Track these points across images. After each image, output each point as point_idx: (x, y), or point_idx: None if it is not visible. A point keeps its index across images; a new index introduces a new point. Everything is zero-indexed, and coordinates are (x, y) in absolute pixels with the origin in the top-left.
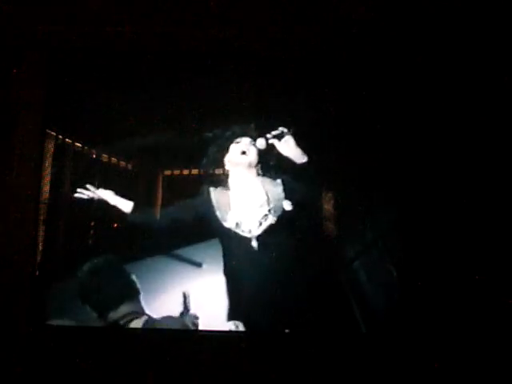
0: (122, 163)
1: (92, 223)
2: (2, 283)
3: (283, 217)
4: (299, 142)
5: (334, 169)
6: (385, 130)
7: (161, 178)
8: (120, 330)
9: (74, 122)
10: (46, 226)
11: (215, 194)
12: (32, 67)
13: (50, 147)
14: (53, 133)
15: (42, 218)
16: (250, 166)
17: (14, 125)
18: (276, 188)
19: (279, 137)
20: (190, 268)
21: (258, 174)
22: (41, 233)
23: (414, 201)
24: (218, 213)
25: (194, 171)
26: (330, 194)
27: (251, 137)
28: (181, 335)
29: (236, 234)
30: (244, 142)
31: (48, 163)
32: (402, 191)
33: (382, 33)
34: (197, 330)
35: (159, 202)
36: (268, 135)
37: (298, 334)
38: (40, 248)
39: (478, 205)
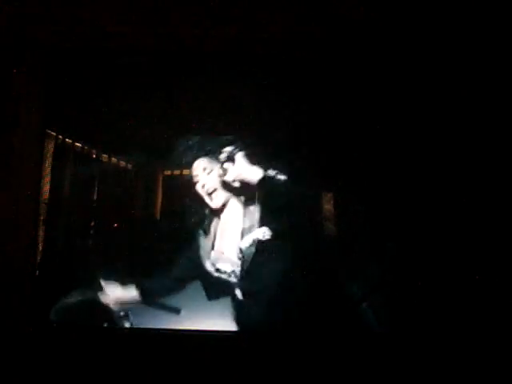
0: (122, 163)
1: (92, 223)
2: (2, 283)
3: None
4: (253, 157)
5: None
6: (385, 130)
7: (161, 178)
8: (120, 330)
9: (74, 121)
10: (45, 226)
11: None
12: (32, 67)
13: (50, 147)
14: (53, 133)
15: (41, 217)
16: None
17: (14, 125)
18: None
19: (230, 159)
20: (166, 315)
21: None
22: (41, 233)
23: (414, 199)
24: (201, 253)
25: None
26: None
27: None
28: (181, 335)
29: (218, 278)
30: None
31: (48, 163)
32: (402, 189)
33: (382, 33)
34: (197, 331)
35: (159, 202)
36: (220, 161)
37: (297, 339)
38: (40, 248)
39: (477, 205)
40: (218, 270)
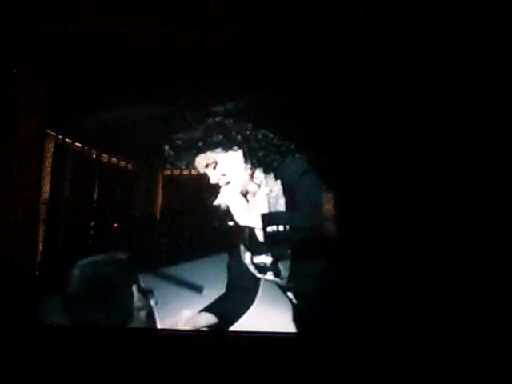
0: (122, 163)
1: (92, 223)
2: (1, 283)
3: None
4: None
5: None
6: (385, 130)
7: (161, 178)
8: (120, 330)
9: (74, 121)
10: (45, 226)
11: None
12: (32, 67)
13: (50, 147)
14: (53, 133)
15: (41, 217)
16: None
17: (14, 125)
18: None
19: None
20: (187, 293)
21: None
22: (41, 233)
23: (413, 199)
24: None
25: (194, 171)
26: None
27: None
28: (181, 335)
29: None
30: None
31: (48, 163)
32: (402, 189)
33: (382, 33)
34: (197, 330)
35: (159, 201)
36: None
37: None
38: (40, 248)
39: (477, 205)
40: (253, 263)
